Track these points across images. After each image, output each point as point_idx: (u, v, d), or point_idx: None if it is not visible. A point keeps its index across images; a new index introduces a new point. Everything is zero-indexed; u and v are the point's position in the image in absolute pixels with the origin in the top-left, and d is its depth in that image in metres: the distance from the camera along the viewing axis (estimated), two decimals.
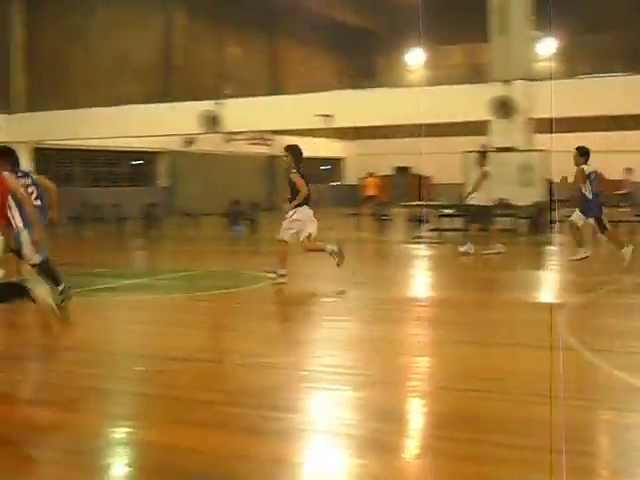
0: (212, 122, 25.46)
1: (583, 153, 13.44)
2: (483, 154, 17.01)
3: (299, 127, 28.23)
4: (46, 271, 9.10)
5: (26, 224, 8.72)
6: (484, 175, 16.31)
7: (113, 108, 27.04)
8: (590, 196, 13.24)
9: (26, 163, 29.10)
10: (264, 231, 21.17)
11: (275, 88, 35.90)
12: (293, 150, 12.22)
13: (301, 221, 11.92)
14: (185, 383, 6.37)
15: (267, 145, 34.43)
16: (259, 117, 26.08)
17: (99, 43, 32.26)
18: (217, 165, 35.92)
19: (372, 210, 27.46)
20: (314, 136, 36.03)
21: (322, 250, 12.18)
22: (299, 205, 11.89)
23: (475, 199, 16.36)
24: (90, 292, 11.73)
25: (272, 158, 37.51)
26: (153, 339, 8.41)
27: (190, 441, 4.89)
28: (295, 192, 11.87)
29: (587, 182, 13.22)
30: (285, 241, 11.90)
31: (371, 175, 31.63)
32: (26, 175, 9.60)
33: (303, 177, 11.94)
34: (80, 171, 32.47)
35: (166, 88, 34.60)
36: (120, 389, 6.37)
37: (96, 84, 31.54)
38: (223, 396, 5.91)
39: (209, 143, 32.83)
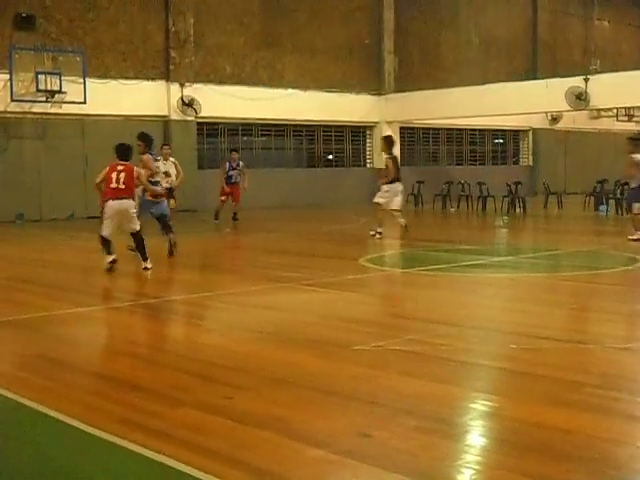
0: (579, 99, 24.71)
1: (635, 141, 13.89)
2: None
3: None
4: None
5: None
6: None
7: (480, 87, 27.20)
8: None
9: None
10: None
11: None
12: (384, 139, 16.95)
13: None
14: (554, 363, 6.28)
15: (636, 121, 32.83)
16: (628, 92, 24.86)
17: (466, 23, 32.57)
18: (582, 143, 34.89)
19: None
20: None
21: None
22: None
23: None
24: (457, 268, 11.98)
25: None
26: (519, 317, 8.38)
27: (560, 421, 4.81)
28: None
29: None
30: None
31: None
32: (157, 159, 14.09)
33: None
34: (445, 149, 33.10)
35: (532, 65, 34.17)
36: (488, 364, 6.44)
37: (463, 64, 31.93)
38: (596, 379, 5.75)
39: (574, 120, 31.97)
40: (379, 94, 29.96)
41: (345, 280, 10.80)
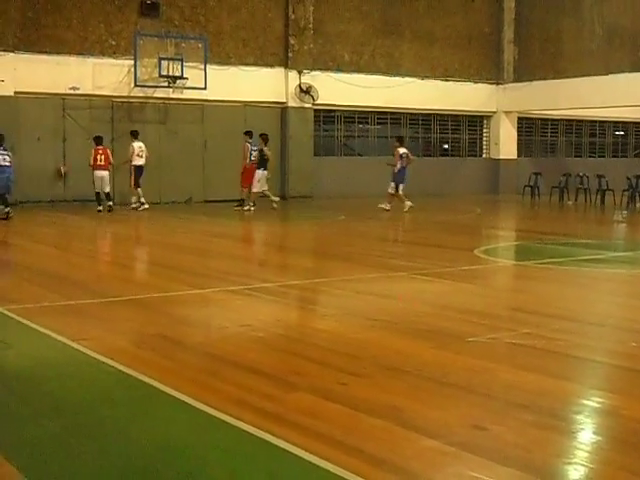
0: None
1: None
2: None
3: None
4: None
5: None
6: None
7: (602, 77, 26.48)
8: None
9: (511, 131, 29.89)
10: None
11: None
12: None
13: None
14: None
15: None
16: None
17: (589, 13, 31.71)
18: None
19: None
20: None
21: None
22: None
23: None
24: (575, 262, 11.74)
25: None
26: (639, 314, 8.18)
27: None
28: None
29: None
30: None
31: None
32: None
33: None
34: (563, 141, 32.38)
35: None
36: (607, 361, 6.29)
37: (585, 54, 31.14)
38: None
39: None
40: (497, 84, 29.54)
41: (460, 271, 10.71)
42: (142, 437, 4.45)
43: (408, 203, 20.07)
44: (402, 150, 20.77)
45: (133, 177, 20.68)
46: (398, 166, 20.43)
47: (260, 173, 20.01)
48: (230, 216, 19.88)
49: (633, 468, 4.00)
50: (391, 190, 20.47)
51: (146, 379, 5.44)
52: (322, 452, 4.08)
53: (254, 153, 20.44)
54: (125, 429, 4.57)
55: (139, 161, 20.65)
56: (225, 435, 4.47)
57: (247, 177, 20.49)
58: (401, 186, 20.46)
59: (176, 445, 4.31)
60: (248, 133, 21.08)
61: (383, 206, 20.35)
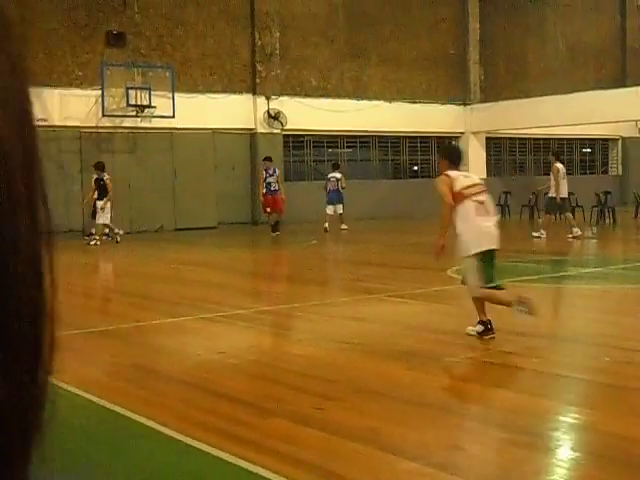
0: None
1: None
2: None
3: None
4: None
5: None
6: None
7: (567, 96, 26.77)
8: None
9: (480, 151, 30.11)
10: None
11: None
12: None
13: None
14: None
15: None
16: None
17: (552, 32, 32.13)
18: None
19: None
20: None
21: None
22: None
23: None
24: (547, 279, 11.82)
25: None
26: (612, 329, 8.21)
27: None
28: None
29: None
30: None
31: None
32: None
33: None
34: (532, 159, 32.66)
35: (621, 72, 33.51)
36: (582, 377, 6.33)
37: (550, 73, 31.48)
38: None
39: None
40: (464, 104, 29.77)
41: (433, 292, 10.74)
42: (119, 470, 4.42)
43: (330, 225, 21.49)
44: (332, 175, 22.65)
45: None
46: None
47: (101, 203, 19.09)
48: (201, 244, 19.83)
49: None
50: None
51: (121, 410, 5.40)
52: (301, 478, 4.07)
53: (270, 179, 20.79)
54: (101, 462, 4.53)
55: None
56: (203, 464, 4.45)
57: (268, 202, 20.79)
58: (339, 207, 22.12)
59: (154, 476, 4.28)
60: (268, 159, 21.30)
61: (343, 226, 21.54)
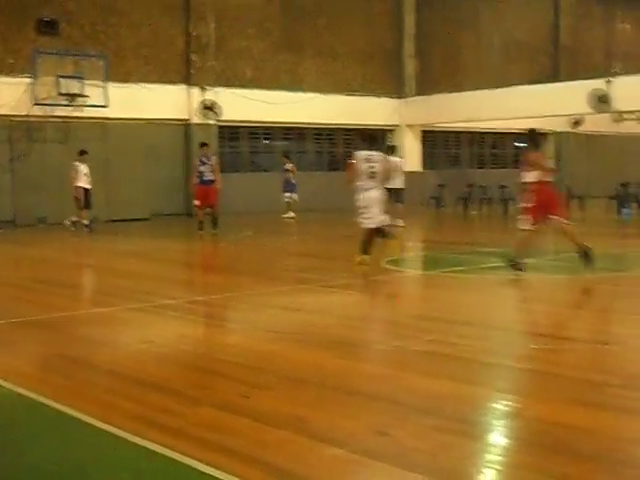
0: (601, 101, 24.56)
1: None
2: None
3: None
4: None
5: None
6: None
7: (501, 90, 27.08)
8: None
9: (415, 144, 30.28)
10: None
11: None
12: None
13: None
14: (575, 363, 6.23)
15: None
16: None
17: (487, 27, 32.47)
18: (605, 146, 34.69)
19: None
20: None
21: None
22: None
23: None
24: (478, 270, 11.94)
25: None
26: (539, 317, 8.35)
27: (583, 421, 4.77)
28: None
29: None
30: None
31: None
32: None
33: None
34: (467, 153, 32.98)
35: (554, 68, 34.01)
36: (509, 364, 6.40)
37: (484, 67, 31.83)
38: (618, 379, 5.69)
39: (596, 123, 31.74)
40: (400, 97, 29.92)
41: (366, 282, 10.76)
42: (44, 460, 4.32)
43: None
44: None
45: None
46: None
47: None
48: (134, 235, 19.60)
49: (540, 468, 4.05)
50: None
51: (46, 401, 5.29)
52: (226, 466, 4.03)
53: (202, 168, 18.10)
54: (27, 452, 4.43)
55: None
56: (129, 453, 4.38)
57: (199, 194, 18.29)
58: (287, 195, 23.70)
59: (80, 466, 4.20)
60: (204, 144, 18.89)
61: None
